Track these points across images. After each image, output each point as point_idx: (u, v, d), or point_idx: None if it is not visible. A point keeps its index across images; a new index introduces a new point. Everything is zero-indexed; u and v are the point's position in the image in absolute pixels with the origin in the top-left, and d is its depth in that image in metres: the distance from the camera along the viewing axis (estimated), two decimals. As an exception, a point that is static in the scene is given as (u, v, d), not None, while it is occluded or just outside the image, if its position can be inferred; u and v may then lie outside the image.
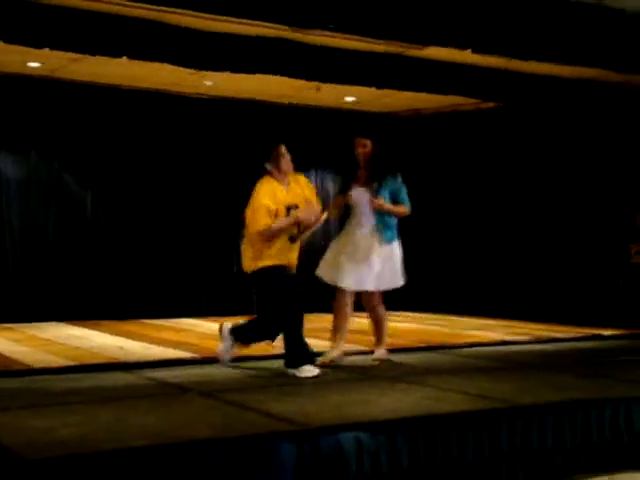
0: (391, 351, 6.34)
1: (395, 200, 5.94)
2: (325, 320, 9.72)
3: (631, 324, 8.21)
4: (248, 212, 5.54)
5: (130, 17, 6.74)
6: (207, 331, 8.10)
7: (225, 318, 9.34)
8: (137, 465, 3.19)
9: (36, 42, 6.65)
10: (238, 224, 9.14)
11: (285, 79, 8.21)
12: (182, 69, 7.82)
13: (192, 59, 7.32)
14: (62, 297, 9.31)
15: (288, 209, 5.52)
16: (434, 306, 10.20)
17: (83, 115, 9.51)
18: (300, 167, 10.95)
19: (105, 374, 5.41)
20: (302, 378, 5.26)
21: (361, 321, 9.48)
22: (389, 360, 6.08)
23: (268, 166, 5.65)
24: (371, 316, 6.18)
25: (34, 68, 8.54)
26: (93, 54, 7.04)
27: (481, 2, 6.40)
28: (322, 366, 5.57)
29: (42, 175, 9.46)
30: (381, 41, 7.13)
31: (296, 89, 9.31)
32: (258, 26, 6.83)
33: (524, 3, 6.56)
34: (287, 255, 5.58)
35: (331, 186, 11.26)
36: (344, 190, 6.07)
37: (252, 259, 5.56)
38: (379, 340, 6.17)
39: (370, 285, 5.92)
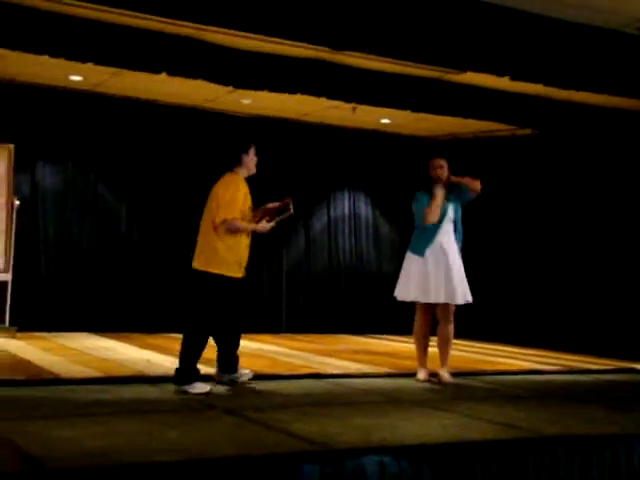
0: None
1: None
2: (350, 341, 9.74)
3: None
4: (219, 201, 5.37)
5: (171, 34, 6.85)
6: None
7: (252, 335, 9.42)
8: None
9: (80, 56, 6.78)
10: (268, 245, 9.23)
11: (322, 99, 8.27)
12: (220, 87, 7.90)
13: (230, 77, 7.42)
14: (93, 308, 9.40)
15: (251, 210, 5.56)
16: (466, 332, 10.11)
17: (122, 129, 9.65)
18: (333, 187, 11.13)
19: (132, 387, 5.43)
20: (320, 395, 5.31)
21: (388, 344, 9.47)
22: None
23: (242, 163, 5.57)
24: (441, 333, 6.31)
25: (76, 82, 8.69)
26: (134, 69, 7.17)
27: (520, 30, 6.38)
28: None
29: (78, 187, 9.60)
30: (419, 65, 7.15)
31: (333, 109, 9.35)
32: (297, 47, 6.90)
33: (564, 31, 6.53)
34: (244, 259, 5.50)
35: (362, 207, 11.28)
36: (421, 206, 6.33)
37: (209, 258, 5.38)
38: (447, 361, 6.32)
39: (459, 299, 6.20)
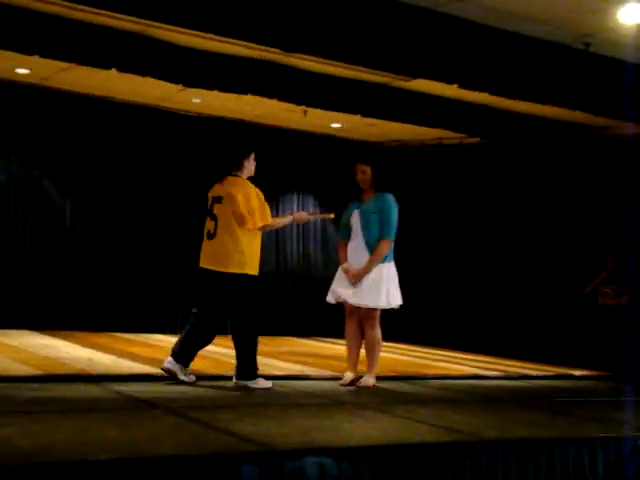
0: (360, 379, 6.38)
1: (381, 222, 6.07)
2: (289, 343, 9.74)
3: (602, 365, 8.25)
4: (252, 205, 5.67)
5: (122, 30, 6.80)
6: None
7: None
8: (97, 478, 3.16)
9: (26, 49, 6.67)
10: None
11: (273, 101, 8.28)
12: (171, 85, 7.86)
13: (180, 76, 7.39)
14: (35, 306, 9.23)
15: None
16: (406, 337, 10.22)
17: (68, 124, 9.52)
18: (282, 190, 11.13)
19: (72, 385, 5.35)
20: (263, 395, 5.40)
21: (333, 347, 9.50)
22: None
23: (243, 168, 5.82)
24: (365, 338, 6.21)
25: (22, 75, 8.54)
26: (82, 64, 7.09)
27: (470, 38, 6.48)
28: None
29: (22, 181, 9.44)
30: (369, 70, 7.21)
31: (284, 112, 9.36)
32: (249, 47, 6.89)
33: (512, 43, 6.65)
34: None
35: (311, 210, 11.30)
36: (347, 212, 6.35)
37: (239, 261, 5.62)
38: (369, 366, 6.19)
39: (351, 299, 6.06)
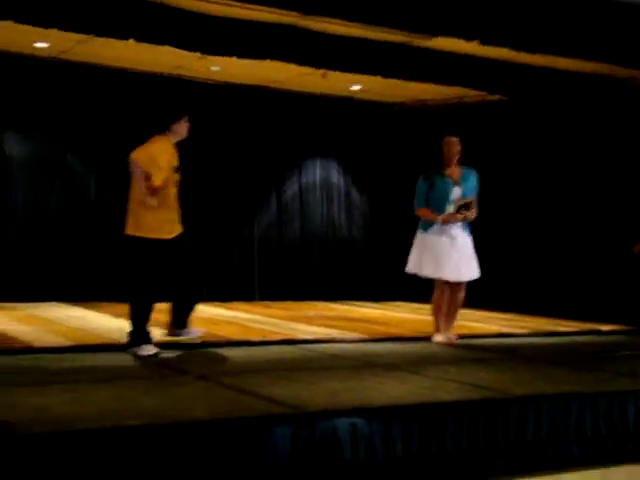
0: (389, 340, 6.40)
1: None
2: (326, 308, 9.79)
3: (632, 320, 8.18)
4: (145, 167, 5.45)
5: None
6: (209, 316, 8.12)
7: (226, 304, 9.46)
8: (131, 444, 3.21)
9: (44, 22, 6.65)
10: (239, 214, 9.11)
11: (292, 66, 8.21)
12: (189, 53, 7.81)
13: (198, 43, 7.32)
14: (63, 278, 9.32)
15: (175, 170, 5.59)
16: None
17: (89, 97, 9.50)
18: (304, 155, 11.09)
19: (104, 355, 5.43)
20: (291, 360, 5.44)
21: (360, 310, 9.54)
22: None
23: (172, 127, 5.61)
24: (456, 302, 6.58)
25: (41, 49, 8.54)
26: (100, 35, 7.06)
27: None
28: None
29: (47, 156, 9.46)
30: (389, 30, 7.11)
31: (303, 76, 9.30)
32: (266, 11, 6.82)
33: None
34: (170, 221, 5.58)
35: (334, 174, 11.26)
36: (430, 185, 6.46)
37: (134, 224, 5.58)
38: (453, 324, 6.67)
39: (473, 274, 6.48)
